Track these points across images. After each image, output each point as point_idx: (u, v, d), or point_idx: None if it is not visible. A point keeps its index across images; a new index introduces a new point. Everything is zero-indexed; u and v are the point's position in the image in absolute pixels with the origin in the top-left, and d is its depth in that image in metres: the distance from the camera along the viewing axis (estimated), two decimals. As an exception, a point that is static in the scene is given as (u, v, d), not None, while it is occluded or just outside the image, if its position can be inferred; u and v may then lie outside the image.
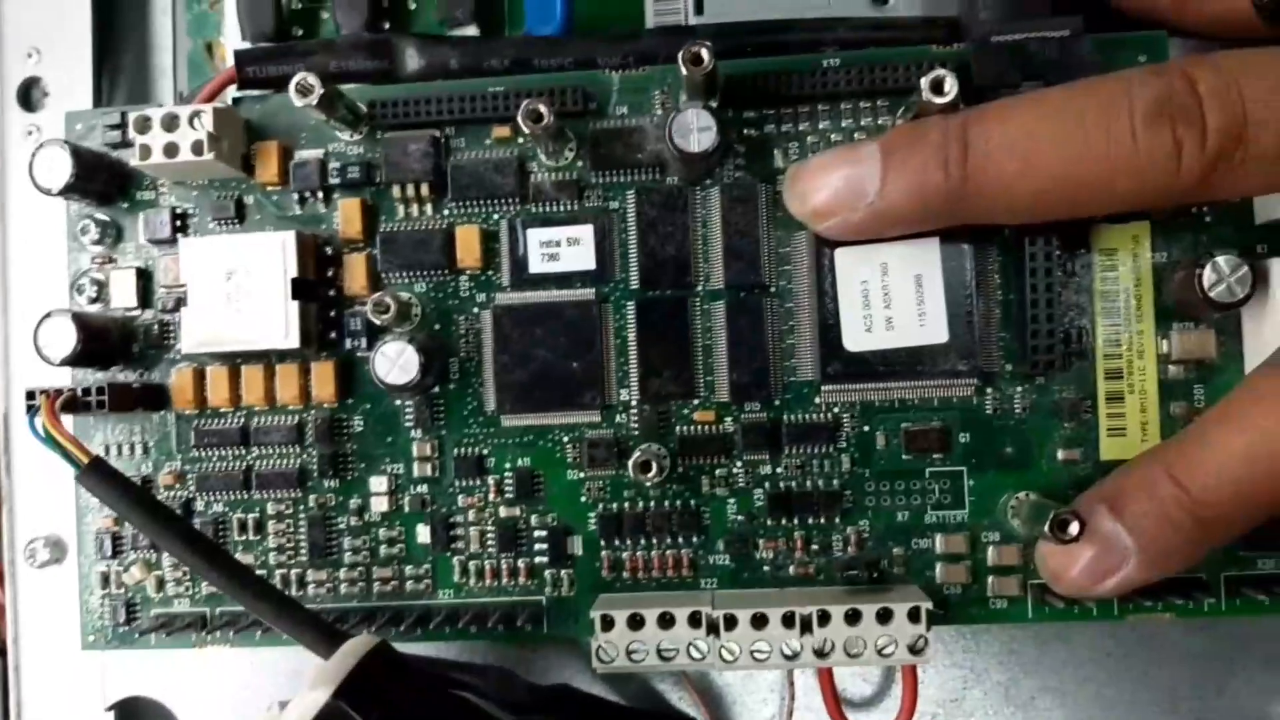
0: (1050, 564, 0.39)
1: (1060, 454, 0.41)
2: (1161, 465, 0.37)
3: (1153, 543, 0.36)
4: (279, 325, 0.41)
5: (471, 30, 0.47)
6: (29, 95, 0.51)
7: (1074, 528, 0.36)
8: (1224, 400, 0.37)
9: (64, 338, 0.41)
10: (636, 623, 0.38)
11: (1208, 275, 0.38)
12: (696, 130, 0.39)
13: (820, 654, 0.38)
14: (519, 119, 0.39)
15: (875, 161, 0.36)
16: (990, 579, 0.41)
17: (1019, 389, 0.41)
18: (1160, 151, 0.34)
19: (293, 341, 0.41)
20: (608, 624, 0.38)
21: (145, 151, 0.41)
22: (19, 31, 0.51)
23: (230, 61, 0.49)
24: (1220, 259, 0.38)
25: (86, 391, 0.42)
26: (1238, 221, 0.41)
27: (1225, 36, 0.42)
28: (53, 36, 0.51)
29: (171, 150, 0.41)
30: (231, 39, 0.50)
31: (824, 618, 0.38)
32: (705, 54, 0.37)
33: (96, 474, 0.38)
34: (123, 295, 0.44)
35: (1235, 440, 0.36)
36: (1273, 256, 0.39)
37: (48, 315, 0.42)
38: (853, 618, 0.37)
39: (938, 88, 0.37)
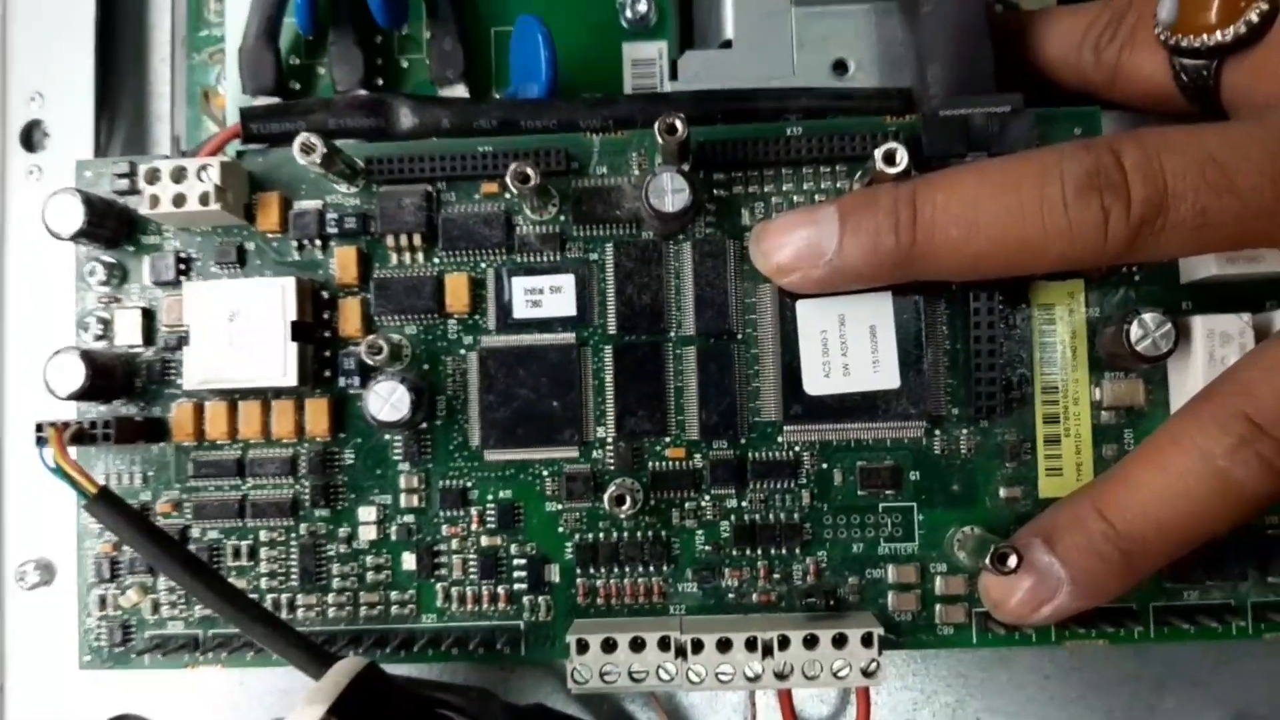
0: (992, 594, 0.41)
1: (1002, 492, 0.43)
2: (1091, 502, 0.39)
3: (1083, 574, 0.38)
4: (278, 365, 0.43)
5: (461, 89, 0.50)
6: (30, 137, 0.53)
7: (1012, 560, 0.38)
8: (1145, 442, 0.39)
9: (73, 373, 0.42)
10: (610, 646, 0.39)
11: (1134, 330, 0.40)
12: (671, 192, 0.41)
13: (780, 676, 0.39)
14: (508, 179, 0.40)
15: (833, 223, 0.38)
16: (938, 607, 0.43)
17: (964, 431, 0.43)
18: (1089, 220, 0.36)
19: (291, 380, 0.43)
20: (583, 647, 0.39)
21: (154, 201, 0.42)
22: (23, 76, 0.53)
23: (227, 109, 0.52)
24: (1146, 315, 0.40)
25: (94, 424, 0.43)
26: (1165, 281, 0.43)
27: (1153, 110, 0.44)
28: (55, 82, 0.53)
29: (179, 200, 0.42)
30: (229, 88, 0.51)
31: (784, 642, 0.39)
32: (679, 124, 0.39)
33: (104, 503, 0.39)
34: (127, 333, 0.45)
35: (1155, 480, 0.37)
36: (1196, 314, 0.41)
37: (57, 352, 0.42)
38: (811, 642, 0.39)
39: (890, 159, 0.39)
